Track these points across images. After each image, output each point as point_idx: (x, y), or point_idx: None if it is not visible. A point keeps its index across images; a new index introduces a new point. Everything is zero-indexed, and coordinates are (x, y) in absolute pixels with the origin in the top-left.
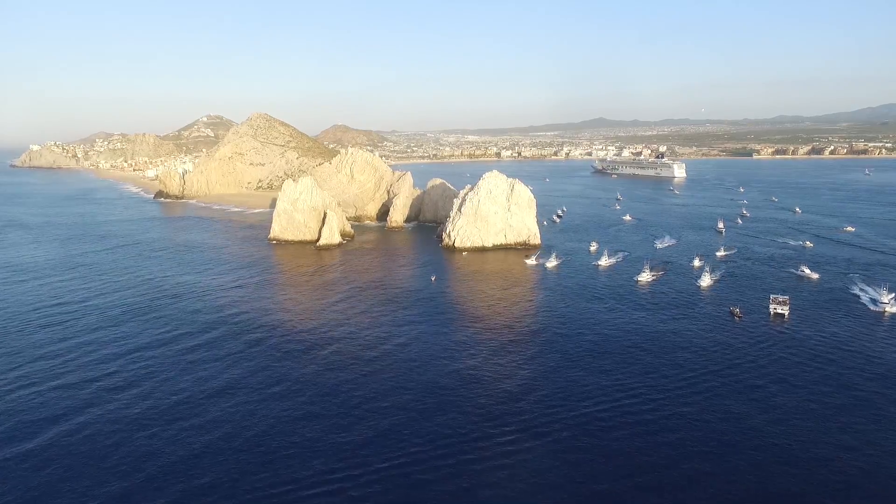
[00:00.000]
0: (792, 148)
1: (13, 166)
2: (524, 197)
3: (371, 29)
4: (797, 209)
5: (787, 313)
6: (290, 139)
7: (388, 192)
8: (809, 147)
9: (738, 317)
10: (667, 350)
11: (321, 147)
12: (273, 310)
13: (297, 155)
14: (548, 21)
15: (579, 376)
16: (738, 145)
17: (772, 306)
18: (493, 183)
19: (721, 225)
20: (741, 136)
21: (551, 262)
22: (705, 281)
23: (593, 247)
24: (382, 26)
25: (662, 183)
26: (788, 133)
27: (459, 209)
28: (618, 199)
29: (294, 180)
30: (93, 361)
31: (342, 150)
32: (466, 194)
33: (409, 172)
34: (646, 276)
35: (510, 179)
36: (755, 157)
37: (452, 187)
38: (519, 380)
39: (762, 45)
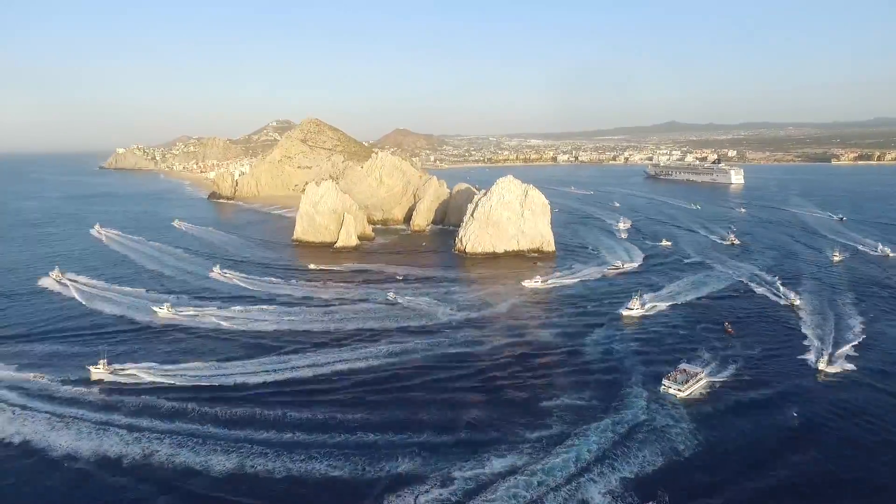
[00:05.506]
0: (878, 153)
1: (101, 168)
2: (538, 202)
3: (439, 34)
4: None
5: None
6: (338, 143)
7: (415, 195)
8: None
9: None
10: None
11: (367, 151)
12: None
13: (342, 158)
14: (614, 26)
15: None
16: (819, 150)
17: (665, 383)
18: (506, 188)
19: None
20: (826, 139)
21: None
22: None
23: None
24: (450, 30)
25: (718, 190)
26: (882, 137)
27: (472, 214)
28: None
29: (315, 184)
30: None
31: (374, 155)
32: (479, 199)
33: (434, 177)
34: None
35: (524, 185)
36: (833, 162)
37: (477, 191)
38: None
39: (856, 43)
